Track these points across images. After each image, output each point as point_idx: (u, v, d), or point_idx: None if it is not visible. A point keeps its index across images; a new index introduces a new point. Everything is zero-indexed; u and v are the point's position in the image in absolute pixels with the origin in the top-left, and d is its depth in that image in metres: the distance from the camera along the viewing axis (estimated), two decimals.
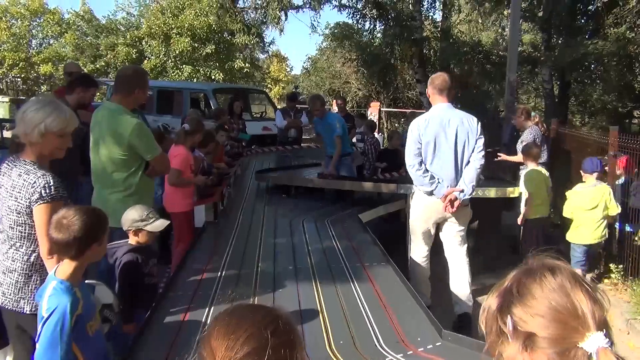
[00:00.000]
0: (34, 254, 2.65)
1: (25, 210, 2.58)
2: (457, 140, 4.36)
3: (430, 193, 4.42)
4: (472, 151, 4.41)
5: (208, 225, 5.15)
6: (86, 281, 2.66)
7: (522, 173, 6.27)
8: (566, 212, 5.75)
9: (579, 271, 5.13)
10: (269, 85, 33.88)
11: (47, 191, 2.54)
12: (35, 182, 2.54)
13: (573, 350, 1.07)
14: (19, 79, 26.73)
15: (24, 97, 25.19)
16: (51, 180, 2.57)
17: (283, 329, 1.19)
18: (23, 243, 2.64)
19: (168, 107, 12.57)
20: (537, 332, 1.10)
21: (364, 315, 3.14)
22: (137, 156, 3.85)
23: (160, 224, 3.38)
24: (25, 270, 2.65)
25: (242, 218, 5.58)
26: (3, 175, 2.66)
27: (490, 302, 1.19)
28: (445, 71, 17.71)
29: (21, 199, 2.56)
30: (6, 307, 2.66)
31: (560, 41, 15.14)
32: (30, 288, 2.65)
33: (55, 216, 2.32)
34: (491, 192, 5.82)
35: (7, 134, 12.32)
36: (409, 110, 19.78)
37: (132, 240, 3.34)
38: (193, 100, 13.11)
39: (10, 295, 2.66)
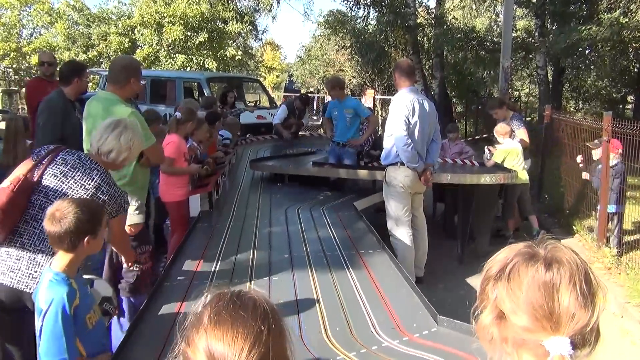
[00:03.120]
0: None
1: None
2: (427, 121, 4.96)
3: (413, 169, 4.92)
4: (434, 130, 5.08)
5: (203, 215, 5.14)
6: (84, 276, 2.67)
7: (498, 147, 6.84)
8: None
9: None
10: (263, 74, 33.71)
11: (126, 206, 2.96)
12: (120, 196, 2.87)
13: (535, 344, 1.10)
14: (10, 70, 26.51)
15: (15, 88, 25.02)
16: (126, 196, 2.95)
17: (273, 320, 1.19)
18: None
19: (161, 97, 12.51)
20: (509, 315, 1.13)
21: (360, 302, 3.16)
22: None
23: (137, 218, 3.54)
24: None
25: (237, 207, 5.58)
26: (73, 168, 2.78)
27: (494, 263, 1.20)
28: (439, 58, 17.69)
29: (107, 206, 2.78)
30: None
31: (554, 27, 15.11)
32: None
33: (50, 208, 2.32)
34: (487, 179, 5.83)
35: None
36: None
37: None
38: (186, 90, 13.04)
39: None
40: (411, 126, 4.83)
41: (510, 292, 1.14)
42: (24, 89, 24.86)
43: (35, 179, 2.73)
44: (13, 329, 2.68)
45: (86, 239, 2.30)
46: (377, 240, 4.35)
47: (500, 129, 6.76)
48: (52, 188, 2.72)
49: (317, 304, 3.13)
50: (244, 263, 3.85)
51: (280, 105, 10.83)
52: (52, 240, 2.32)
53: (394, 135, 4.83)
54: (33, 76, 25.23)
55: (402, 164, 4.91)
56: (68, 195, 2.70)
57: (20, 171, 2.73)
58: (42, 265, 2.60)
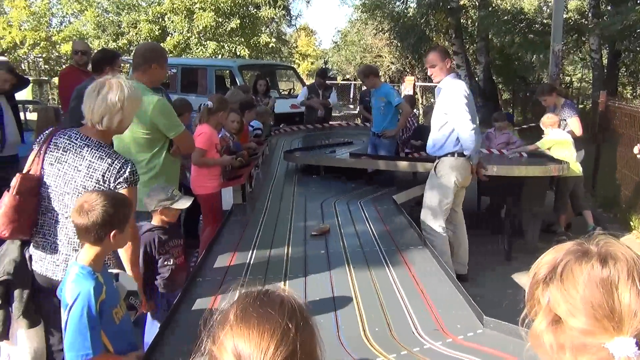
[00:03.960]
0: None
1: None
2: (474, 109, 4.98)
3: (468, 159, 4.90)
4: None
5: (236, 208, 5.18)
6: (109, 270, 2.71)
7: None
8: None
9: None
10: (297, 61, 33.76)
11: (132, 177, 2.81)
12: (121, 167, 2.78)
13: (597, 347, 1.05)
14: (40, 59, 27.16)
15: (46, 78, 25.64)
16: (133, 166, 2.85)
17: (301, 317, 1.18)
18: None
19: (192, 86, 12.63)
20: (566, 319, 1.09)
21: (400, 300, 3.13)
22: (161, 135, 3.89)
23: (187, 201, 3.51)
24: None
25: (271, 200, 5.60)
26: (65, 151, 2.81)
27: (542, 265, 1.17)
28: (484, 42, 17.37)
29: (104, 183, 2.77)
30: None
31: (609, 7, 14.67)
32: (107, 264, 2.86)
33: (78, 199, 2.38)
34: (536, 171, 5.71)
35: (30, 115, 12.57)
36: None
37: (157, 220, 3.46)
38: (218, 78, 13.14)
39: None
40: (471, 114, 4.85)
41: (564, 293, 1.10)
42: (54, 79, 25.52)
43: (37, 172, 2.83)
44: (52, 312, 2.85)
45: (112, 232, 2.35)
46: (418, 236, 4.30)
47: (546, 120, 6.62)
48: (53, 177, 2.82)
49: (354, 302, 3.11)
50: (278, 258, 3.86)
51: (302, 88, 10.85)
52: (79, 232, 2.39)
53: (459, 123, 4.76)
54: (64, 65, 25.89)
55: (460, 154, 4.85)
56: (66, 182, 2.80)
57: (27, 166, 2.87)
58: (62, 253, 2.81)
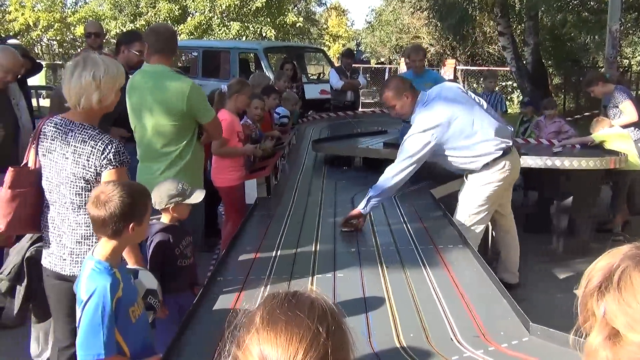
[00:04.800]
0: None
1: (94, 177, 2.81)
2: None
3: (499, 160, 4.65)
4: None
5: (260, 202, 5.20)
6: (128, 266, 2.75)
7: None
8: None
9: None
10: (327, 43, 33.72)
11: (117, 157, 2.81)
12: (104, 149, 2.79)
13: None
14: (54, 42, 27.64)
15: (60, 62, 26.09)
16: (119, 146, 2.84)
17: (333, 321, 1.18)
18: None
19: (214, 70, 12.71)
20: (625, 333, 1.05)
21: (438, 304, 3.10)
22: (190, 122, 3.89)
23: (200, 194, 3.48)
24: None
25: (298, 193, 5.60)
26: (52, 140, 2.88)
27: (595, 272, 1.13)
28: (533, 21, 17.05)
29: (90, 167, 2.81)
30: None
31: None
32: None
33: (94, 190, 2.41)
34: (590, 163, 5.61)
35: (43, 102, 12.81)
36: (489, 68, 19.24)
37: (167, 218, 3.44)
38: (242, 61, 13.21)
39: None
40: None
41: (623, 304, 1.06)
42: (68, 63, 25.92)
43: (34, 165, 2.94)
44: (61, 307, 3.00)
45: (131, 225, 2.38)
46: (459, 234, 4.26)
47: (595, 124, 6.60)
48: (47, 168, 2.91)
49: (388, 305, 3.10)
50: (305, 256, 3.86)
51: (330, 71, 10.84)
52: (95, 225, 2.43)
53: (397, 160, 4.58)
54: (79, 49, 26.32)
55: (484, 166, 4.61)
56: (58, 171, 2.86)
57: (25, 157, 3.01)
58: (66, 247, 2.90)
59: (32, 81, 10.49)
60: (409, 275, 3.51)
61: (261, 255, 3.88)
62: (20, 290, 3.21)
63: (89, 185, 2.85)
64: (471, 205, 4.76)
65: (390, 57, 27.95)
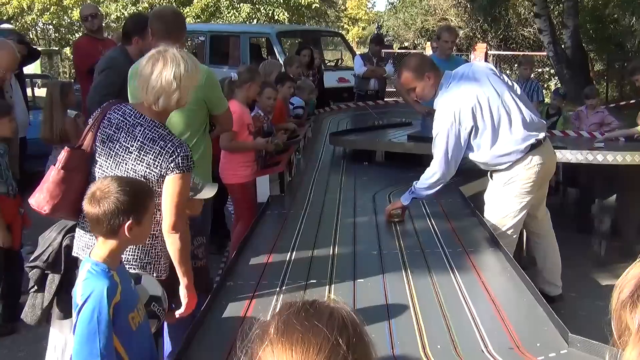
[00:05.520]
0: (154, 222, 2.93)
1: (157, 179, 2.91)
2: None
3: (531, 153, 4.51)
4: None
5: (273, 200, 5.21)
6: (131, 270, 2.77)
7: None
8: None
9: None
10: (346, 26, 33.65)
11: (185, 162, 2.91)
12: (174, 152, 2.88)
13: None
14: (50, 27, 27.83)
15: (56, 48, 26.31)
16: (187, 150, 2.94)
17: (354, 332, 1.17)
18: None
19: (223, 56, 12.75)
20: None
21: (467, 312, 3.10)
22: (203, 114, 3.92)
23: (211, 189, 3.51)
24: (151, 232, 2.92)
25: (315, 191, 5.61)
26: (117, 129, 2.98)
27: (627, 281, 1.13)
28: (572, 1, 16.86)
29: (155, 167, 2.90)
30: None
31: None
32: (156, 251, 3.03)
33: (91, 186, 2.48)
34: (636, 158, 5.56)
35: (39, 92, 12.92)
36: (524, 53, 19.10)
37: None
38: (253, 47, 13.23)
39: (135, 262, 2.98)
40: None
41: None
42: (65, 49, 26.14)
43: (88, 149, 3.02)
44: None
45: (127, 224, 2.39)
46: (490, 236, 4.24)
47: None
48: (104, 157, 2.99)
49: (412, 313, 3.10)
50: (322, 260, 3.87)
51: (354, 57, 10.81)
52: (90, 223, 2.49)
53: (434, 157, 4.54)
54: (77, 34, 26.50)
55: (534, 147, 4.46)
56: (117, 163, 2.95)
57: (80, 140, 3.06)
58: None
59: (28, 69, 10.61)
60: (435, 280, 3.50)
61: (274, 259, 3.89)
62: (53, 280, 3.27)
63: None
64: (498, 208, 4.64)
65: (415, 42, 27.81)
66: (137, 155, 2.91)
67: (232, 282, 3.54)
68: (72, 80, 12.84)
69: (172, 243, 2.96)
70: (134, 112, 2.99)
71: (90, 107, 5.00)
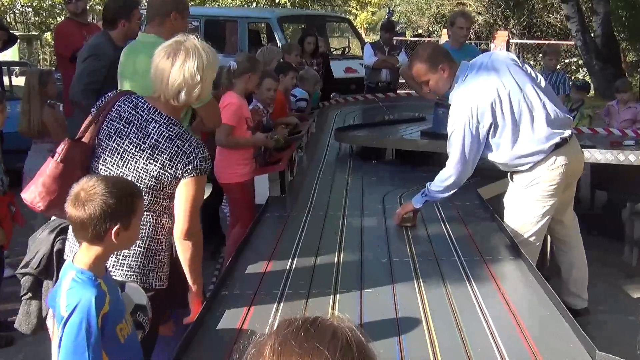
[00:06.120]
0: (160, 225, 3.03)
1: (170, 181, 2.93)
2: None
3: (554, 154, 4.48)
4: None
5: (273, 201, 5.21)
6: (115, 277, 2.77)
7: None
8: None
9: None
10: (354, 11, 33.62)
11: (203, 164, 2.95)
12: (192, 152, 2.91)
13: None
14: (29, 9, 27.86)
15: (36, 33, 26.32)
16: (205, 151, 2.96)
17: (359, 355, 1.17)
18: (151, 209, 2.99)
19: (219, 43, 12.74)
20: None
21: (485, 327, 3.10)
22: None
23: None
24: (156, 237, 3.01)
25: (318, 192, 5.61)
26: (128, 123, 2.99)
27: None
28: None
29: (170, 168, 2.92)
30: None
31: None
32: (160, 257, 3.05)
33: (75, 187, 2.44)
34: None
35: (17, 80, 12.93)
36: (550, 42, 19.08)
37: None
38: (252, 33, 13.23)
39: (137, 268, 3.00)
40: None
41: None
42: (46, 34, 26.15)
43: (90, 142, 3.01)
44: None
45: (114, 228, 2.38)
46: (511, 243, 4.24)
47: None
48: (110, 152, 2.99)
49: (425, 328, 3.10)
50: (326, 268, 3.87)
51: (364, 46, 10.79)
52: (74, 227, 2.47)
53: (449, 157, 4.52)
54: (58, 18, 26.53)
55: (558, 146, 4.44)
56: (125, 161, 2.95)
57: (80, 131, 3.04)
58: None
59: (4, 56, 10.63)
60: (450, 291, 3.50)
61: (274, 266, 3.89)
62: (48, 287, 3.23)
63: (158, 186, 2.95)
64: (519, 213, 4.62)
65: (430, 28, 27.78)
66: (150, 153, 2.91)
67: (227, 291, 3.54)
68: (53, 69, 12.86)
69: (185, 250, 3.00)
70: (147, 106, 2.99)
71: (73, 98, 5.01)
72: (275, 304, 3.34)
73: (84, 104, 4.65)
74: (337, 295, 3.48)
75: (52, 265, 3.24)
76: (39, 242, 3.28)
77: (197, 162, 2.91)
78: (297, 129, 6.72)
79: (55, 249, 3.24)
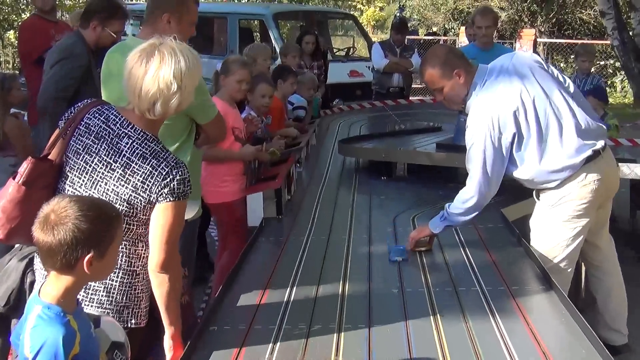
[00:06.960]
0: (135, 256, 2.99)
1: (143, 205, 2.89)
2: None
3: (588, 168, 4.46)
4: None
5: (268, 224, 5.22)
6: (88, 312, 2.76)
7: None
8: None
9: None
10: (360, 6, 33.79)
11: (181, 187, 2.89)
12: (168, 173, 2.86)
13: None
14: None
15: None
16: (185, 172, 2.91)
17: None
18: (124, 237, 2.93)
19: (206, 42, 12.77)
20: None
21: None
22: (186, 121, 3.91)
23: (191, 210, 3.53)
24: (131, 268, 2.99)
25: (319, 213, 5.62)
26: (98, 138, 2.95)
27: None
28: None
29: (143, 191, 2.88)
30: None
31: None
32: (136, 292, 3.01)
33: (44, 208, 2.39)
34: None
35: None
36: (583, 41, 19.15)
37: None
38: (243, 31, 13.25)
39: (109, 304, 2.98)
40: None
41: None
42: (9, 33, 26.25)
43: (56, 159, 2.96)
44: None
45: (87, 257, 2.35)
46: (540, 270, 4.24)
47: None
48: (77, 171, 2.95)
49: None
50: (329, 300, 3.87)
51: (372, 46, 10.81)
52: (41, 254, 2.43)
53: (470, 174, 4.53)
54: (25, 15, 26.63)
55: (590, 159, 4.41)
56: (94, 182, 2.91)
57: (46, 148, 2.99)
58: None
59: None
60: (471, 326, 3.50)
61: (269, 298, 3.89)
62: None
63: (131, 212, 2.91)
64: (547, 236, 4.62)
65: (446, 26, 27.87)
66: (121, 174, 2.87)
67: (216, 326, 3.53)
68: (17, 72, 12.89)
69: (160, 284, 2.96)
70: (120, 119, 2.94)
71: (44, 106, 5.00)
72: (272, 343, 3.32)
73: (52, 112, 4.66)
74: (342, 331, 3.46)
75: (23, 301, 3.16)
76: (6, 272, 3.22)
77: (174, 185, 2.86)
78: (296, 140, 6.72)
79: (27, 281, 3.18)
